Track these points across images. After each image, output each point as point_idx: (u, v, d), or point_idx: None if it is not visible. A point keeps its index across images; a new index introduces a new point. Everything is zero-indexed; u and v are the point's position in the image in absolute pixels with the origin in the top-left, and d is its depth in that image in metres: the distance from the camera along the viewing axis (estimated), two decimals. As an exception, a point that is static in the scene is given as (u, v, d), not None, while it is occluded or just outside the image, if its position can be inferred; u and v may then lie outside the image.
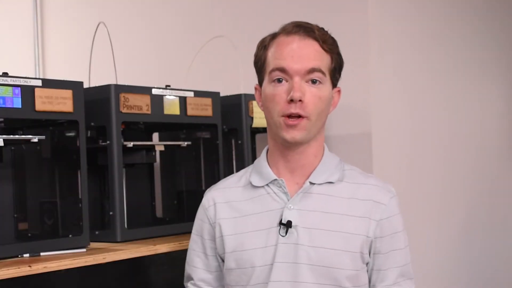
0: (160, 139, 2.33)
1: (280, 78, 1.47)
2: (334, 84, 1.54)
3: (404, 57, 2.57)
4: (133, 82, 1.96)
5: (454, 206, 2.81)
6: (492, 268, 3.02)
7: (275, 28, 1.54)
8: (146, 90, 1.94)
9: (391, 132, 2.48)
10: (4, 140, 1.62)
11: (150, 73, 3.03)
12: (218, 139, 2.15)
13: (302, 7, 2.52)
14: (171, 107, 2.00)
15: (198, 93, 2.07)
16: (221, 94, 2.17)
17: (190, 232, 2.00)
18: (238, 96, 2.22)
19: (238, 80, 2.32)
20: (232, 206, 1.56)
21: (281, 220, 1.48)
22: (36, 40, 3.62)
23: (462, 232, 2.83)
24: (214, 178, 2.19)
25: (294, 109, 1.45)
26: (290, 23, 1.52)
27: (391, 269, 1.50)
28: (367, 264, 1.50)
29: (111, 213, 1.88)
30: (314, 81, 1.47)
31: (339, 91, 1.57)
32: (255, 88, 1.58)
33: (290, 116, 1.46)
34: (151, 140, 2.30)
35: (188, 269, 1.63)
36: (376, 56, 2.40)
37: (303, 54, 1.47)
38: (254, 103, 2.22)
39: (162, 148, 2.10)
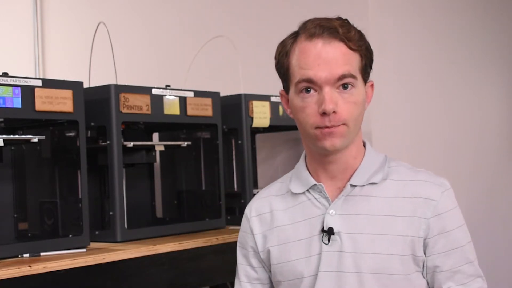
0: (160, 139, 2.33)
1: (308, 88, 1.36)
2: (366, 79, 1.44)
3: (404, 57, 2.57)
4: (133, 82, 1.96)
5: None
6: (492, 267, 3.02)
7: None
8: (146, 90, 1.94)
9: (391, 132, 2.48)
10: (4, 140, 1.62)
11: (150, 73, 3.03)
12: (218, 139, 2.15)
13: (302, 7, 2.52)
14: (171, 107, 2.00)
15: (198, 93, 2.07)
16: (221, 94, 2.17)
17: (190, 232, 2.01)
18: (238, 96, 2.22)
19: (238, 80, 2.31)
20: (275, 216, 1.49)
21: (323, 227, 1.40)
22: (36, 40, 3.62)
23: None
24: (214, 178, 2.20)
25: (328, 122, 1.35)
26: (311, 22, 1.40)
27: (454, 270, 1.37)
28: (423, 267, 1.38)
29: (111, 213, 1.88)
30: (345, 86, 1.36)
31: (372, 85, 1.46)
32: (281, 94, 1.48)
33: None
34: (151, 140, 2.30)
35: (236, 284, 1.55)
36: (376, 56, 2.39)
37: (329, 60, 1.35)
38: (254, 103, 2.22)
39: (162, 148, 2.10)
